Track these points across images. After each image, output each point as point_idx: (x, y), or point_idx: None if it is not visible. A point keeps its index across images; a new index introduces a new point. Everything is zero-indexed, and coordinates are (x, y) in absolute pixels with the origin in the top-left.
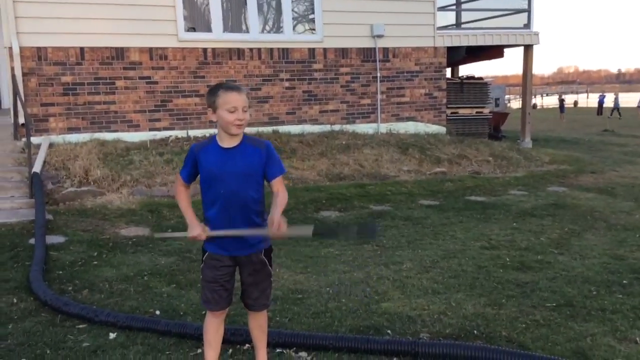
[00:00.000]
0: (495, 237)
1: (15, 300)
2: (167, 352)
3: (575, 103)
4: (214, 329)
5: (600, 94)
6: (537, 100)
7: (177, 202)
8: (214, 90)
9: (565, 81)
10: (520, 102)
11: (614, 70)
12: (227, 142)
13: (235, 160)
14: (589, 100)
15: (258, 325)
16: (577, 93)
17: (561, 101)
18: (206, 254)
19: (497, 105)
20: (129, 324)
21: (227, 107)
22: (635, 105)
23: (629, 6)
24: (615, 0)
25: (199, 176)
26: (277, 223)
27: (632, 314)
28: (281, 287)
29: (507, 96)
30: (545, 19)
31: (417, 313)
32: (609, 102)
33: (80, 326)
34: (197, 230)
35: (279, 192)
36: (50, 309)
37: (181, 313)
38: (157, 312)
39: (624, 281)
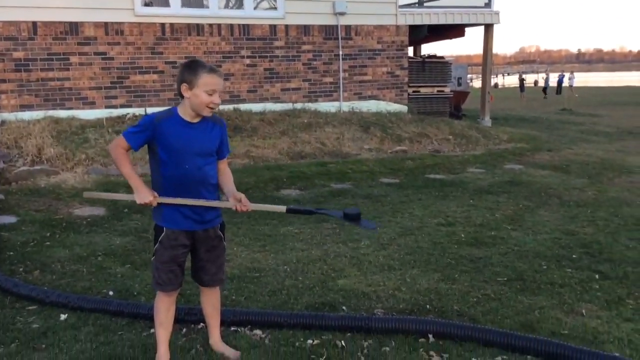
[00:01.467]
0: (452, 214)
1: None
2: (120, 333)
3: (536, 82)
4: (165, 308)
5: (560, 73)
6: (499, 80)
7: (118, 165)
8: (193, 67)
9: (526, 61)
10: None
11: (574, 50)
12: (191, 117)
13: (201, 135)
14: (549, 80)
15: (211, 303)
16: (537, 72)
17: (521, 81)
18: (162, 233)
19: (459, 84)
20: (80, 304)
21: (207, 88)
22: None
23: None
24: None
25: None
26: (243, 200)
27: (580, 287)
28: (239, 265)
29: (469, 75)
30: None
31: (373, 289)
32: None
33: (30, 308)
34: (148, 196)
35: (227, 170)
36: None
37: (135, 293)
38: (111, 293)
39: (574, 256)
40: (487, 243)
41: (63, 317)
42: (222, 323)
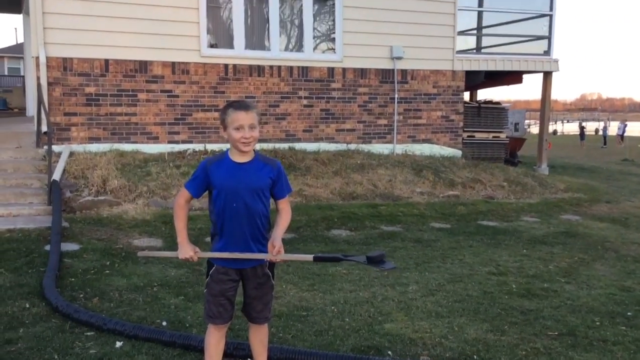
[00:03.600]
0: (504, 263)
1: (27, 305)
2: None
3: (597, 131)
4: (215, 342)
5: (621, 122)
6: (558, 127)
7: (174, 217)
8: (224, 109)
9: (586, 108)
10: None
11: (638, 99)
12: (239, 157)
13: (248, 174)
14: (610, 128)
15: (259, 340)
16: (598, 120)
17: (581, 128)
18: (213, 268)
19: (516, 130)
20: (135, 333)
21: (234, 125)
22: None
23: None
24: None
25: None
26: (277, 248)
27: (634, 346)
28: (287, 303)
29: (526, 121)
30: (570, 45)
31: (419, 335)
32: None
33: (89, 333)
34: (188, 251)
35: (284, 211)
36: (60, 315)
37: (187, 325)
38: (164, 323)
39: (629, 313)
40: (539, 295)
41: (118, 344)
42: (269, 359)
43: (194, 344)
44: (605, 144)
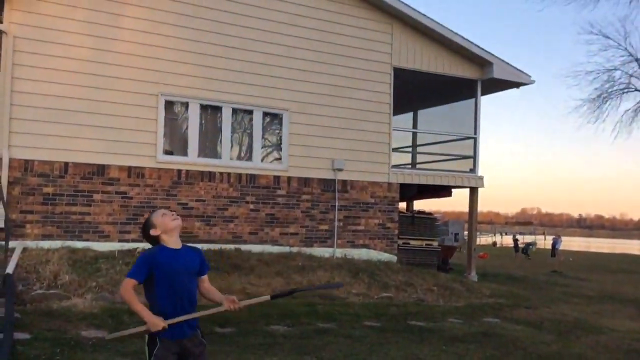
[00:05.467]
0: (424, 356)
1: None
2: None
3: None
4: None
5: (554, 236)
6: (498, 239)
7: (130, 301)
8: (148, 219)
9: (522, 222)
10: (481, 238)
11: (576, 215)
12: (174, 244)
13: (185, 258)
14: (545, 242)
15: None
16: (534, 234)
17: (515, 241)
18: (156, 347)
19: (456, 240)
20: None
21: (160, 214)
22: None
23: (590, 156)
24: (577, 151)
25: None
26: (235, 299)
27: None
28: None
29: (465, 232)
30: (511, 161)
31: None
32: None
33: None
34: (160, 322)
35: (211, 286)
36: None
37: None
38: None
39: None
40: None
41: None
42: None
43: None
44: (529, 256)
